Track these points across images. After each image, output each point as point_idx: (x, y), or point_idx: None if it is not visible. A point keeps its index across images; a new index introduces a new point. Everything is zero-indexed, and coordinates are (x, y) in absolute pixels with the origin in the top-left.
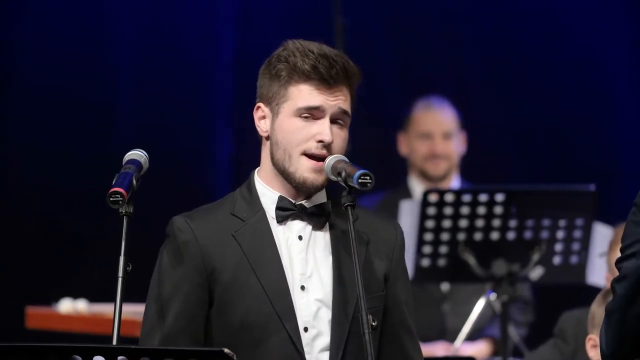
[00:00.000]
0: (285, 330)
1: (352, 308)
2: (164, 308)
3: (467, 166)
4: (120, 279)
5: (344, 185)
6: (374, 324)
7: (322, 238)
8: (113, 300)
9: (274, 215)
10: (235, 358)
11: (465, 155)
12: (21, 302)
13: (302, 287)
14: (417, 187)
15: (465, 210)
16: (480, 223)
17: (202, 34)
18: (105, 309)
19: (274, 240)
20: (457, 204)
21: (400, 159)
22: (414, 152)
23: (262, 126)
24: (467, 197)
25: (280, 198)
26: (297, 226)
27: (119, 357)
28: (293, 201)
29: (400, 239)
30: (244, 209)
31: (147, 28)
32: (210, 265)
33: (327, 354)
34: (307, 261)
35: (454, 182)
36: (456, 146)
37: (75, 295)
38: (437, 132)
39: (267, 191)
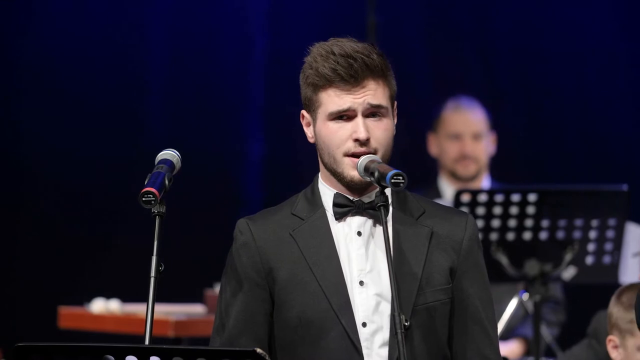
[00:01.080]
0: (341, 326)
1: (411, 302)
2: (226, 310)
3: (497, 166)
4: (152, 279)
5: (377, 185)
6: (406, 324)
7: (384, 232)
8: (145, 300)
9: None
10: (267, 358)
11: (495, 156)
12: (54, 302)
13: (361, 283)
14: (447, 187)
15: (497, 210)
16: (512, 223)
17: (234, 34)
18: (138, 308)
19: (331, 237)
20: (489, 204)
21: (430, 159)
22: (444, 153)
23: (309, 133)
24: (499, 197)
25: (337, 195)
26: (357, 222)
27: (152, 357)
28: (351, 198)
29: (470, 232)
30: (304, 208)
31: (179, 29)
32: (267, 265)
33: (387, 349)
34: (366, 256)
35: (484, 182)
36: (486, 147)
37: (107, 295)
38: (466, 133)
39: (327, 190)
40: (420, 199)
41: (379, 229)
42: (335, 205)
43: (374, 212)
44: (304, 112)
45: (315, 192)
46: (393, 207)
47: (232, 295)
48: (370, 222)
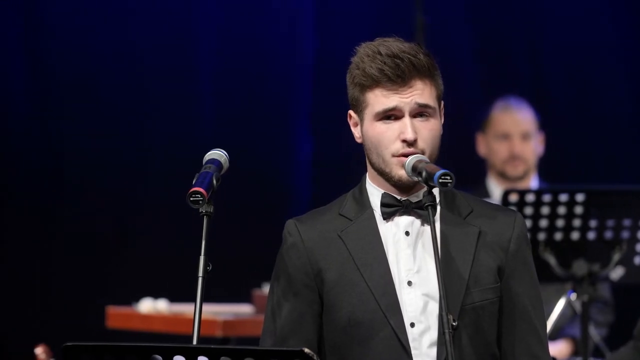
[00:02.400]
0: (390, 326)
1: (459, 301)
2: (275, 311)
3: (546, 166)
4: (200, 279)
5: (424, 185)
6: (454, 323)
7: (431, 231)
8: (193, 300)
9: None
10: (316, 358)
11: (544, 156)
12: (102, 301)
13: (409, 283)
14: (495, 187)
15: (545, 210)
16: (560, 223)
17: (282, 34)
18: (186, 308)
19: (379, 237)
20: (537, 204)
21: (479, 159)
22: (492, 154)
23: (356, 133)
24: (547, 197)
25: (384, 195)
26: (405, 222)
27: (200, 357)
28: (398, 197)
29: (518, 231)
30: (352, 208)
31: (228, 29)
32: (316, 266)
33: (435, 349)
34: (414, 256)
35: (533, 182)
36: (534, 147)
37: (155, 295)
38: (515, 133)
39: (375, 190)
40: (469, 198)
41: (427, 228)
42: (383, 205)
43: (422, 211)
44: (351, 112)
45: (363, 192)
46: (441, 207)
47: (282, 297)
48: (418, 221)
